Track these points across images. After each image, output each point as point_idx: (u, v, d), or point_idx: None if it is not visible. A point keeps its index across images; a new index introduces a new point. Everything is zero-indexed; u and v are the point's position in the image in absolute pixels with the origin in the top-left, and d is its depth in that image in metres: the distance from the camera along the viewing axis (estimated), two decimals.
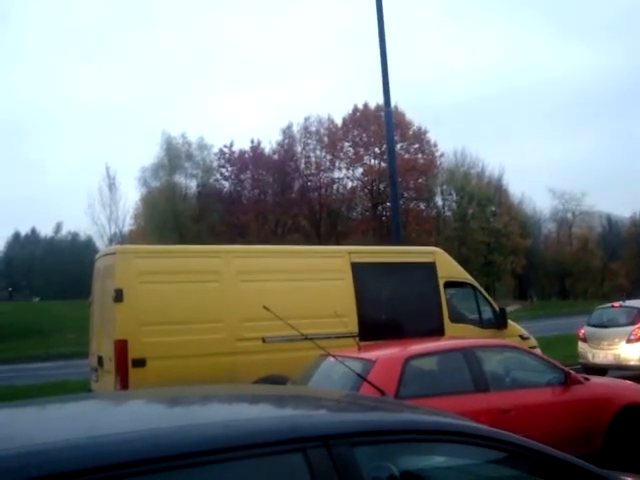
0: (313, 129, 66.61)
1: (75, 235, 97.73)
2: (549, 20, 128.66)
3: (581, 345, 16.86)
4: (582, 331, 17.09)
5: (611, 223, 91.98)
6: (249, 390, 4.57)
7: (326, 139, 65.90)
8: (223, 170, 67.11)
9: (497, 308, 13.19)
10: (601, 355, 16.11)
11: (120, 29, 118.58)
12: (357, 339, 9.49)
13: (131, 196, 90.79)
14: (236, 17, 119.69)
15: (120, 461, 2.19)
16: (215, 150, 65.68)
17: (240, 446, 2.41)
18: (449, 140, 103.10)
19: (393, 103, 21.97)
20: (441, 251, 13.53)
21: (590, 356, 16.37)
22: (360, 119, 65.45)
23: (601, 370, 15.48)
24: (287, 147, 66.45)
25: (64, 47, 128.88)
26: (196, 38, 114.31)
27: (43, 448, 2.19)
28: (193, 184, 66.55)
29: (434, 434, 2.98)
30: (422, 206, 67.97)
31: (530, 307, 57.78)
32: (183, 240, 47.90)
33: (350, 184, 67.46)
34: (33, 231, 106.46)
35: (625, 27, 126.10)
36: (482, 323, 12.84)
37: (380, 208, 65.74)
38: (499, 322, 12.93)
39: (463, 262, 18.55)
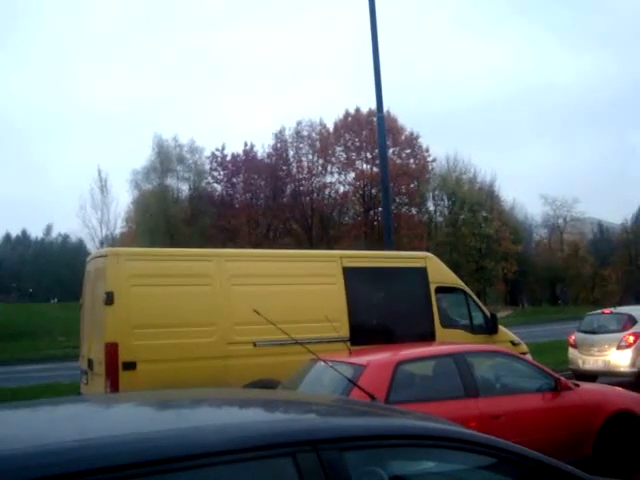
0: (305, 133, 66.63)
1: (66, 237, 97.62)
2: (544, 29, 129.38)
3: (571, 351, 16.89)
4: (573, 337, 17.13)
5: (602, 230, 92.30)
6: (239, 394, 4.56)
7: (318, 144, 65.85)
8: (215, 173, 67.04)
9: (488, 314, 13.20)
10: (591, 361, 16.14)
11: (113, 34, 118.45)
12: (348, 344, 9.48)
13: (123, 199, 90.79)
14: (230, 23, 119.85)
15: (109, 464, 2.19)
16: (207, 153, 65.64)
17: (230, 450, 2.41)
18: (441, 145, 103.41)
19: (385, 108, 22.00)
20: (432, 256, 13.53)
21: (580, 362, 16.39)
22: (352, 124, 65.42)
23: (591, 376, 15.51)
24: (279, 151, 66.39)
25: (56, 50, 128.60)
26: (189, 43, 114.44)
27: (33, 451, 2.19)
28: (185, 187, 66.42)
29: (424, 439, 2.98)
30: (414, 211, 67.95)
31: (521, 313, 57.90)
32: (174, 243, 47.85)
33: (342, 189, 67.46)
34: (24, 233, 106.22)
35: (619, 38, 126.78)
36: (473, 329, 12.84)
37: (372, 213, 65.71)
38: (490, 328, 12.93)
39: (454, 267, 18.58)
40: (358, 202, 67.00)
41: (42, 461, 2.13)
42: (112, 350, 9.70)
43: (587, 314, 18.26)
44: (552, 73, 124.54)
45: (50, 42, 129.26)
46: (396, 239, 26.58)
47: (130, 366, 9.70)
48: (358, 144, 65.27)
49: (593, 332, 16.68)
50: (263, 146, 67.03)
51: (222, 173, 66.87)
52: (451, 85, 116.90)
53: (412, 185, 65.11)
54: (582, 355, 16.40)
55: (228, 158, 66.30)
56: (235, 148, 66.99)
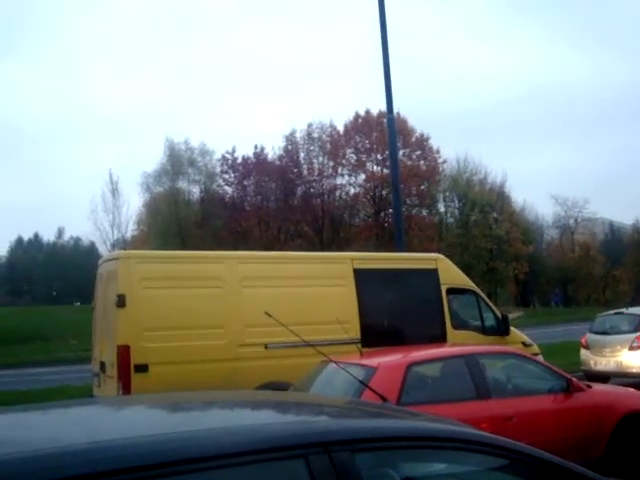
0: (316, 135, 66.59)
1: (77, 240, 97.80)
2: (552, 29, 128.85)
3: (583, 352, 16.83)
4: (584, 338, 17.07)
5: (613, 230, 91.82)
6: (251, 396, 4.57)
7: (328, 145, 65.83)
8: (226, 176, 67.10)
9: (499, 315, 13.18)
10: (603, 362, 16.07)
11: (124, 37, 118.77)
12: (359, 345, 9.49)
13: (134, 202, 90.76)
14: (239, 26, 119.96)
15: (121, 467, 2.19)
16: (217, 156, 65.72)
17: (242, 452, 2.41)
18: (452, 147, 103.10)
19: (395, 110, 21.97)
20: (443, 258, 13.52)
21: (592, 363, 16.33)
22: (362, 126, 65.37)
23: (603, 377, 15.46)
24: (290, 153, 66.38)
25: (66, 53, 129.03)
26: (199, 46, 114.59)
27: (45, 453, 2.20)
28: (196, 190, 66.50)
29: (436, 441, 2.98)
30: (424, 212, 67.83)
31: (532, 314, 57.67)
32: (186, 246, 47.97)
33: (352, 190, 67.40)
34: (36, 236, 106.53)
35: (629, 37, 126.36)
36: (484, 330, 12.83)
37: (382, 214, 65.60)
38: (501, 329, 12.91)
39: (465, 269, 18.57)
40: (369, 204, 66.93)
41: (54, 463, 2.14)
42: (124, 352, 9.74)
43: (599, 315, 18.18)
44: (562, 73, 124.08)
45: (59, 46, 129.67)
46: (407, 240, 26.62)
47: (142, 368, 9.73)
48: (368, 146, 65.21)
49: (605, 333, 16.62)
50: (274, 148, 67.08)
51: (233, 176, 66.89)
52: (460, 86, 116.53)
53: (422, 186, 64.96)
54: (594, 356, 16.34)
55: (239, 161, 66.35)
56: (246, 151, 67.04)
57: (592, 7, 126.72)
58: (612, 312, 17.81)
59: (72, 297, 73.34)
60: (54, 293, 77.00)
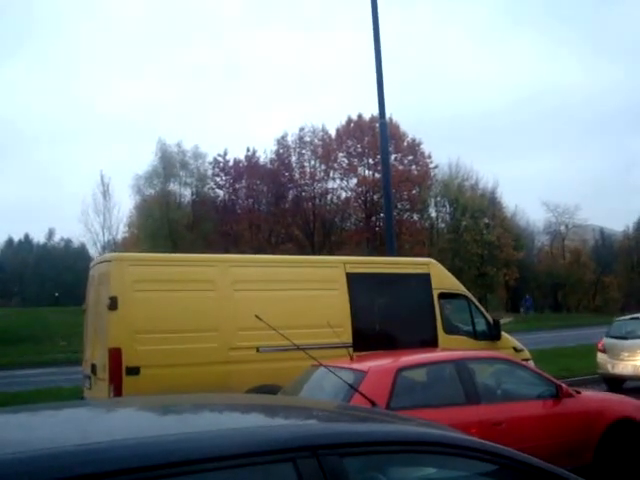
0: (307, 139, 66.55)
1: (68, 242, 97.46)
2: (547, 37, 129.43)
3: (600, 356, 17.16)
4: (601, 342, 17.37)
5: (604, 236, 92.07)
6: (241, 399, 4.57)
7: (320, 149, 65.77)
8: (217, 179, 67.01)
9: (491, 320, 13.20)
10: (620, 366, 16.36)
11: (116, 38, 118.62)
12: (350, 349, 9.51)
13: (125, 204, 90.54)
14: (233, 29, 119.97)
15: (111, 469, 2.19)
16: (209, 159, 65.61)
17: (231, 455, 2.42)
18: (443, 152, 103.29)
19: (388, 115, 22.01)
20: (435, 262, 13.53)
21: (609, 367, 16.66)
22: (354, 130, 65.30)
23: (619, 380, 15.98)
24: (282, 157, 66.31)
25: (59, 53, 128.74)
26: (193, 49, 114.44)
27: (36, 454, 2.20)
28: (187, 192, 66.30)
29: (425, 446, 2.98)
30: (416, 217, 67.83)
31: (523, 319, 57.71)
32: (177, 249, 47.81)
33: (344, 194, 67.33)
34: (26, 237, 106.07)
35: (622, 47, 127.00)
36: (476, 335, 12.85)
37: (374, 219, 65.54)
38: (493, 334, 12.94)
39: (456, 274, 18.58)
40: (360, 208, 66.87)
41: (47, 464, 2.15)
42: (116, 355, 9.73)
43: (616, 320, 18.52)
44: (555, 80, 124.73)
45: (53, 46, 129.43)
46: (398, 245, 26.61)
47: (133, 371, 9.73)
48: (360, 150, 65.14)
49: (622, 337, 16.88)
50: (265, 151, 67.04)
51: (224, 178, 66.84)
52: (453, 92, 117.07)
53: (414, 191, 64.95)
54: (611, 360, 16.63)
55: (230, 164, 66.31)
56: (238, 154, 67.01)
57: (588, 16, 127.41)
58: (628, 317, 18.25)
59: (65, 299, 73.00)
60: (56, 294, 76.52)
